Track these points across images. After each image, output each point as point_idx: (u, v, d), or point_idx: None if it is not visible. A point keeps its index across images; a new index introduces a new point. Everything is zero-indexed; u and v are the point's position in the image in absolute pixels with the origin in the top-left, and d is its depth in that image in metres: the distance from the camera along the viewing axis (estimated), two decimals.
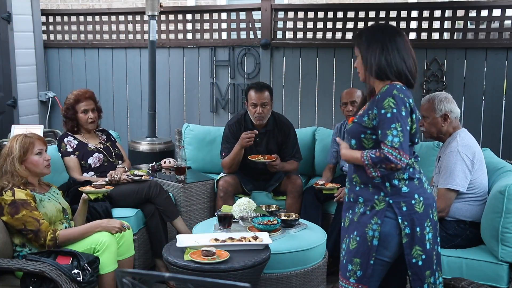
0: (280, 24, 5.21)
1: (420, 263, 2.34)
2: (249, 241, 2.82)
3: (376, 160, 2.22)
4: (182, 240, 2.83)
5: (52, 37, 5.97)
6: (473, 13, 4.58)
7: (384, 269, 2.38)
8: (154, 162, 4.41)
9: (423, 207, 2.32)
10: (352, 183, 2.42)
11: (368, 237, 2.32)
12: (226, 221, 3.13)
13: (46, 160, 2.98)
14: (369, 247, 2.32)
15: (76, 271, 2.60)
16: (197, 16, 5.46)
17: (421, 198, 2.33)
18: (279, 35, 5.23)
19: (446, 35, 4.74)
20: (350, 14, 4.99)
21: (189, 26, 5.49)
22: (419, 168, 2.39)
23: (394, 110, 2.22)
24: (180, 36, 5.60)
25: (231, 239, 2.84)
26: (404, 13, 4.78)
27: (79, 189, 3.23)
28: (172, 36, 5.58)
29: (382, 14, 4.84)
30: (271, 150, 4.09)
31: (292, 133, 4.17)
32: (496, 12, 4.52)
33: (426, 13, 4.73)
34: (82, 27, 5.86)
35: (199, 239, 2.86)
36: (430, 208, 2.35)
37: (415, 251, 2.32)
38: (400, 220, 2.29)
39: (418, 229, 2.31)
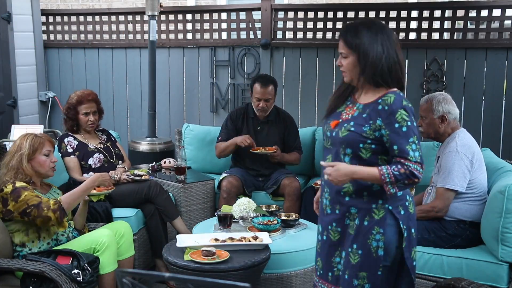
0: (280, 24, 5.21)
1: (415, 263, 2.29)
2: (249, 241, 2.82)
3: (400, 177, 2.10)
4: (182, 240, 2.83)
5: (52, 37, 5.97)
6: (473, 13, 4.57)
7: (389, 274, 2.25)
8: (154, 162, 4.41)
9: (413, 207, 2.28)
10: (340, 193, 2.24)
11: (372, 248, 2.20)
12: (226, 221, 3.13)
13: (53, 162, 3.01)
14: (375, 258, 2.20)
15: (76, 271, 2.60)
16: (197, 16, 5.46)
17: (411, 198, 2.27)
18: (279, 35, 5.23)
19: (446, 35, 4.74)
20: (350, 14, 4.99)
21: (189, 26, 5.49)
22: None
23: (409, 123, 2.11)
24: (180, 36, 5.60)
25: (231, 239, 2.84)
26: (404, 13, 4.77)
27: None
28: (172, 36, 5.58)
29: (382, 14, 4.84)
30: (271, 139, 4.18)
31: (293, 125, 4.33)
32: (496, 12, 4.52)
33: (426, 13, 4.72)
34: (82, 27, 5.86)
35: (199, 239, 2.86)
36: (415, 207, 2.32)
37: (414, 253, 2.27)
38: (401, 225, 2.20)
39: (413, 230, 2.25)
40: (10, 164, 2.89)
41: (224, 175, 4.12)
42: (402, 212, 2.22)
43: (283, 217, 3.27)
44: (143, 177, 3.78)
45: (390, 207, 2.20)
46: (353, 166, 2.17)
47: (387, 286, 2.26)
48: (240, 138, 4.09)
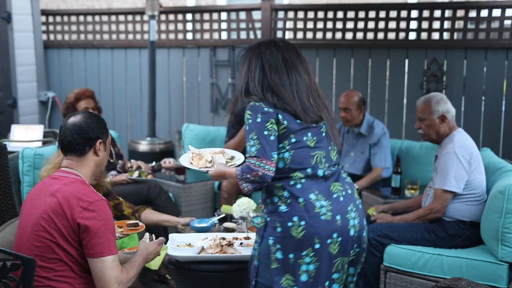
0: (280, 24, 5.21)
1: None
2: (241, 241, 2.77)
3: (242, 172, 2.13)
4: (175, 239, 2.80)
5: (52, 37, 5.98)
6: (473, 13, 4.57)
7: None
8: (154, 162, 4.41)
9: (302, 232, 2.10)
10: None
11: (252, 256, 2.24)
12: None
13: None
14: (253, 267, 2.22)
15: None
16: (197, 16, 5.46)
17: (302, 223, 2.10)
18: (279, 35, 5.23)
19: (446, 35, 4.74)
20: (350, 14, 4.99)
21: (189, 26, 5.49)
22: (319, 191, 2.17)
23: (250, 121, 2.15)
24: (180, 36, 5.60)
25: (223, 239, 2.76)
26: (404, 13, 4.77)
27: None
28: (172, 36, 5.58)
29: (382, 14, 4.84)
30: None
31: None
32: (496, 12, 4.52)
33: (426, 13, 4.72)
34: (82, 27, 5.86)
35: (191, 238, 2.82)
36: (316, 238, 2.11)
37: (285, 280, 2.12)
38: (269, 241, 2.14)
39: (292, 255, 2.11)
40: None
41: None
42: (279, 230, 2.14)
43: None
44: (148, 176, 3.79)
45: (268, 219, 2.19)
46: (225, 166, 2.30)
47: None
48: None
